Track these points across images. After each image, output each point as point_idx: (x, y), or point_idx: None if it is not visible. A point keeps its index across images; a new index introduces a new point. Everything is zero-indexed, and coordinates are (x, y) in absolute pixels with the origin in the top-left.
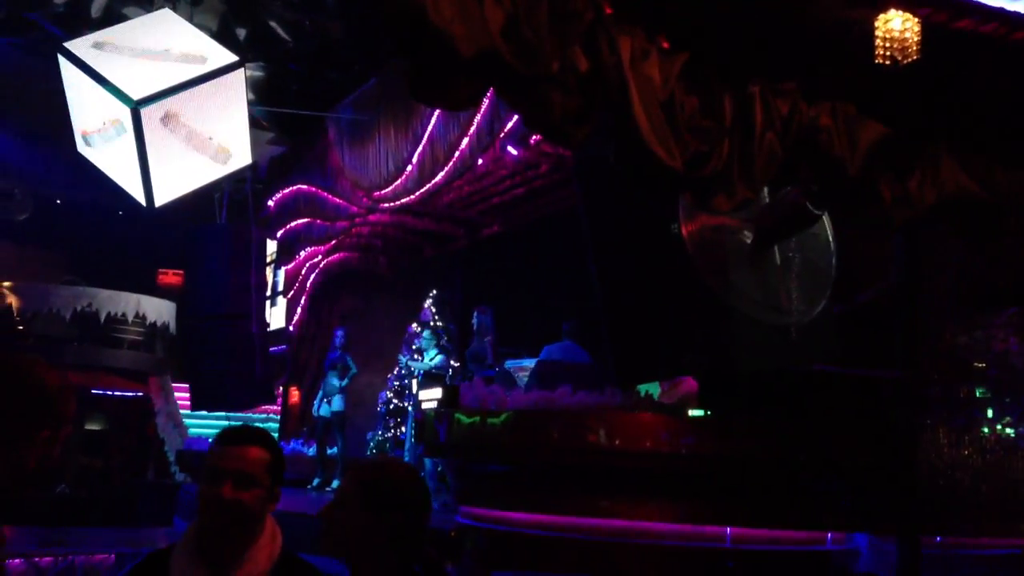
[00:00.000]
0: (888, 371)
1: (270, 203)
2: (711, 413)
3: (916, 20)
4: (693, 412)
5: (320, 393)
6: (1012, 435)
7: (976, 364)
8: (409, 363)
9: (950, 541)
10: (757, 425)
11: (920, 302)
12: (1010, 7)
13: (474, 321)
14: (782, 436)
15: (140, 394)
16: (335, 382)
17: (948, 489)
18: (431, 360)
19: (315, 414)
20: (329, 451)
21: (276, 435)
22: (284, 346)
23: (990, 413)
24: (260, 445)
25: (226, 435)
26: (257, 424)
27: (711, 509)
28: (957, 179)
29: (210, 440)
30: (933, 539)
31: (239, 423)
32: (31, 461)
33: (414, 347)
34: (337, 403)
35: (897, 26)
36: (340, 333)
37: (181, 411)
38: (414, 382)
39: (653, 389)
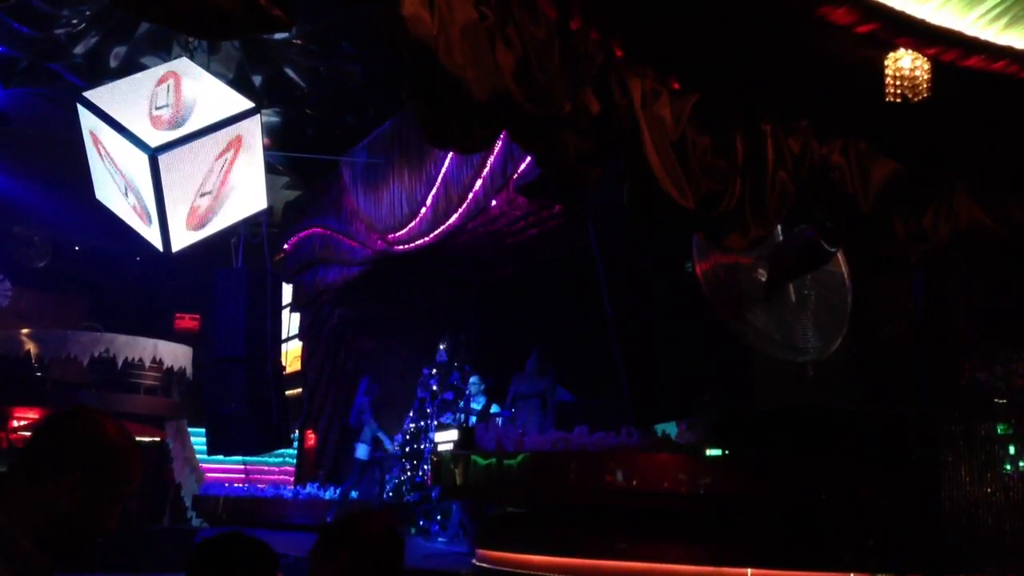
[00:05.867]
0: (908, 408)
1: (286, 246)
2: (729, 453)
3: (925, 59)
4: (711, 452)
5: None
6: None
7: (996, 400)
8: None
9: None
10: (776, 464)
11: (939, 338)
12: (1019, 45)
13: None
14: (802, 475)
15: (157, 439)
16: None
17: (971, 528)
18: (479, 405)
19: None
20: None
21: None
22: (300, 389)
23: (1012, 450)
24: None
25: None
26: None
27: (731, 550)
28: (971, 214)
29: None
30: None
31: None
32: (64, 506)
33: (468, 394)
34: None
35: (907, 65)
36: (364, 379)
37: (197, 455)
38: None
39: (670, 429)
